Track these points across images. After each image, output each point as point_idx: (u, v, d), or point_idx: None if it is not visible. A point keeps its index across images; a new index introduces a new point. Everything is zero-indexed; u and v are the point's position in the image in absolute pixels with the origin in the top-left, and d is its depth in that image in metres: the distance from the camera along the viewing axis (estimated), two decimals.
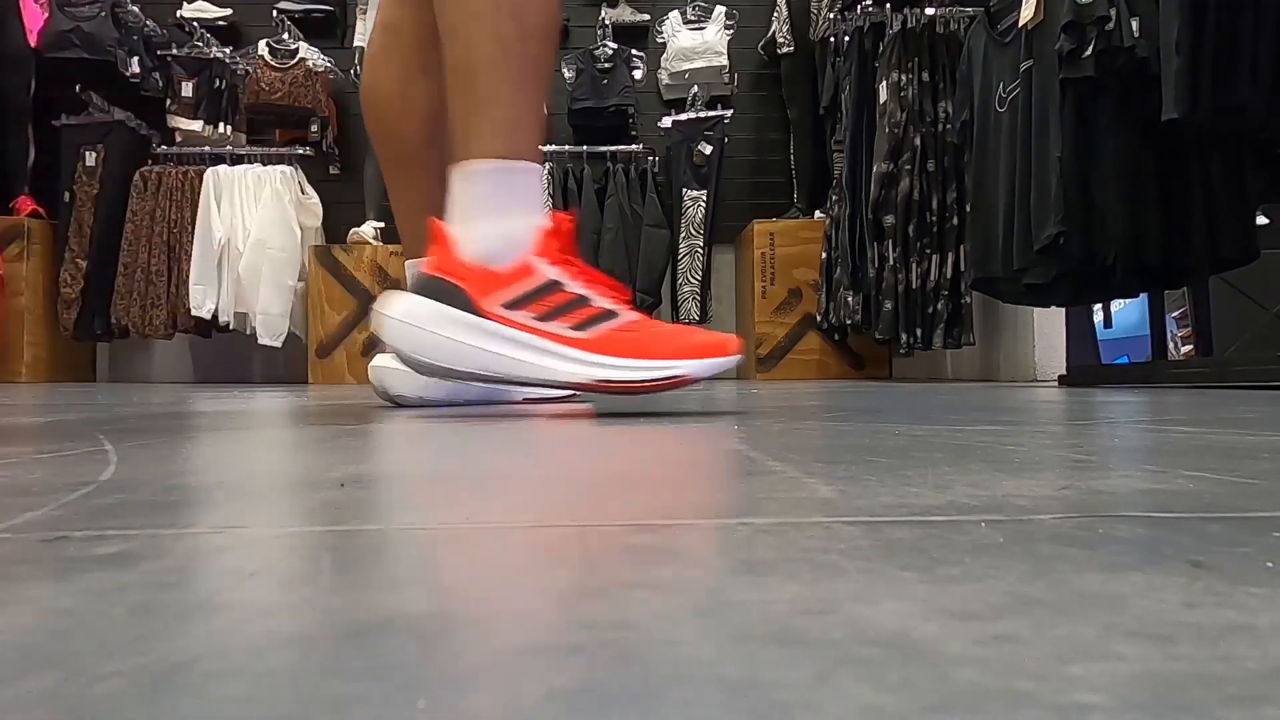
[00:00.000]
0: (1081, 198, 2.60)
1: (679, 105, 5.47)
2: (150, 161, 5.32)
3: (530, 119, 1.09)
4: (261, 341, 5.10)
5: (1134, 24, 2.43)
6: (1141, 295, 3.11)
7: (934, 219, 3.83)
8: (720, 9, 5.55)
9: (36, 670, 0.21)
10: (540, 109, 1.11)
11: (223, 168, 5.20)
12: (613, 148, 5.31)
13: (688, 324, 1.38)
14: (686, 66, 5.52)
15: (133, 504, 0.46)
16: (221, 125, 5.40)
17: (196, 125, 5.36)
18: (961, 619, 0.25)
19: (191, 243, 5.10)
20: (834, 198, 4.40)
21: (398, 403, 1.31)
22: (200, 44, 5.42)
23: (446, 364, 1.01)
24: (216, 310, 5.06)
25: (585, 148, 5.31)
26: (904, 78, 3.87)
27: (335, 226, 5.37)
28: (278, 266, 5.08)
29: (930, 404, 1.57)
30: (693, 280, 5.25)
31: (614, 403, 1.21)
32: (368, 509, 0.45)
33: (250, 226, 5.09)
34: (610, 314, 1.01)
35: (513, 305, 1.00)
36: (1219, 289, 3.29)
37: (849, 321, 4.14)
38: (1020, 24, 2.84)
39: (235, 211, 5.12)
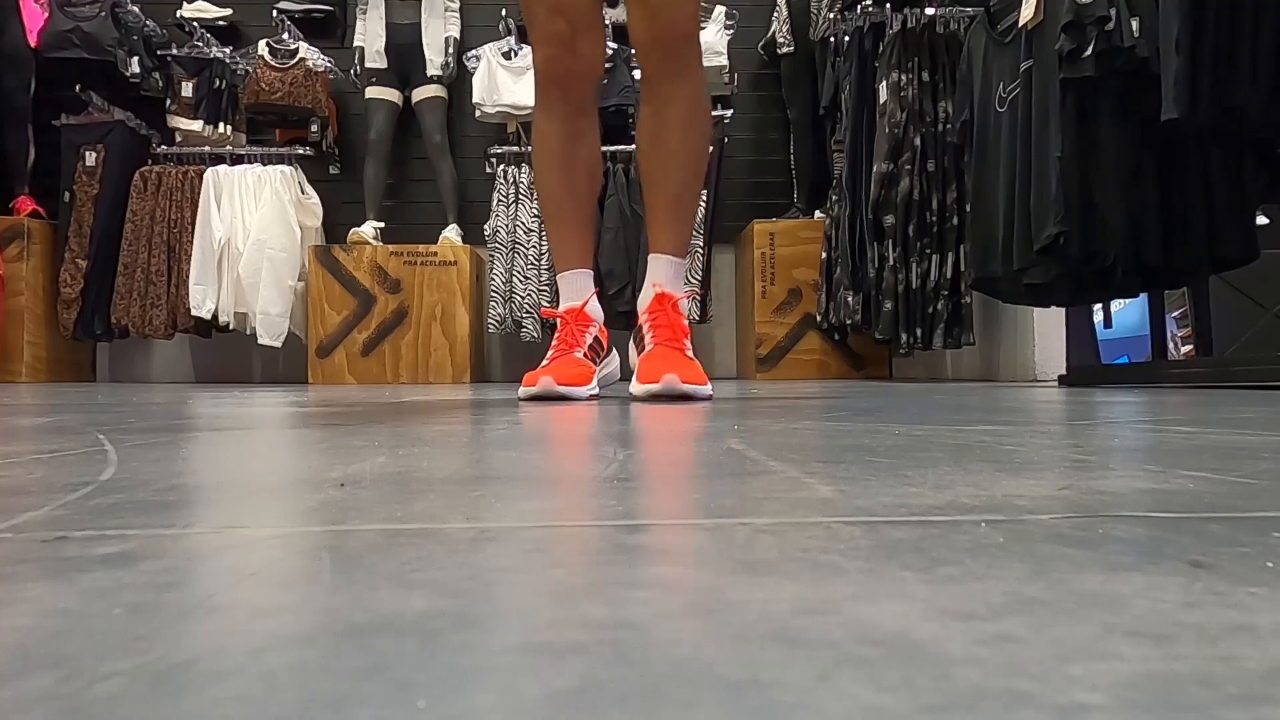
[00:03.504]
0: (1081, 197, 2.59)
1: None
2: (150, 161, 5.32)
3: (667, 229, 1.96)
4: (261, 341, 5.09)
5: (1134, 24, 2.43)
6: (1141, 295, 3.11)
7: (934, 219, 3.83)
8: (720, 9, 5.54)
9: (36, 670, 0.21)
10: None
11: (223, 168, 5.19)
12: (613, 147, 5.30)
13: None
14: None
15: (133, 504, 0.46)
16: (221, 125, 5.39)
17: (196, 125, 5.35)
18: (961, 619, 0.25)
19: (191, 243, 5.09)
20: (834, 198, 4.40)
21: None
22: (200, 44, 5.42)
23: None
24: (216, 310, 5.05)
25: None
26: (904, 78, 3.87)
27: (335, 226, 5.36)
28: (278, 266, 5.07)
29: (930, 404, 1.57)
30: (692, 280, 5.24)
31: (619, 405, 1.42)
32: (368, 509, 0.45)
33: (250, 226, 5.09)
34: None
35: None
36: (1219, 289, 3.29)
37: (849, 321, 4.14)
38: (1020, 24, 2.83)
39: (235, 211, 5.11)
